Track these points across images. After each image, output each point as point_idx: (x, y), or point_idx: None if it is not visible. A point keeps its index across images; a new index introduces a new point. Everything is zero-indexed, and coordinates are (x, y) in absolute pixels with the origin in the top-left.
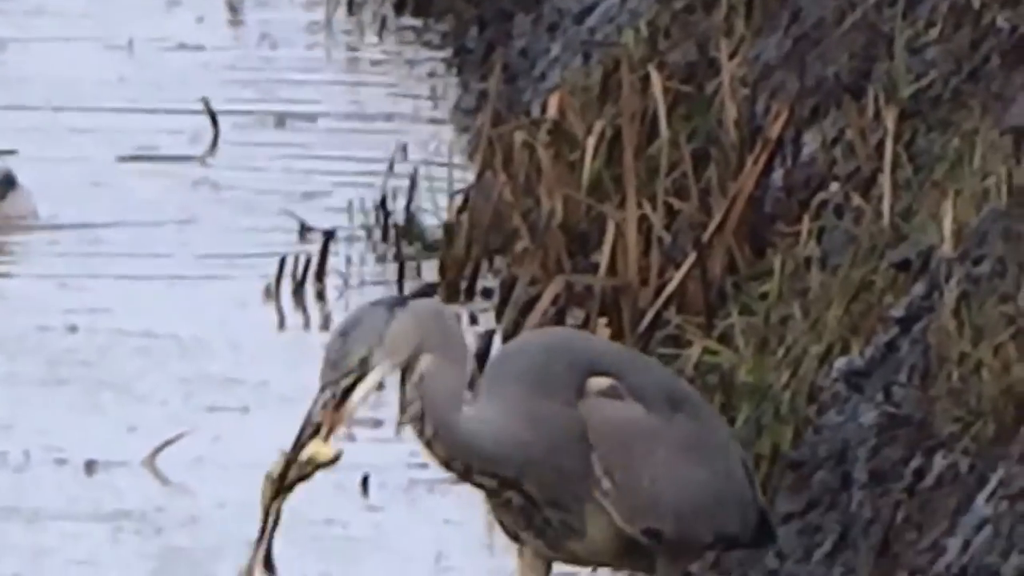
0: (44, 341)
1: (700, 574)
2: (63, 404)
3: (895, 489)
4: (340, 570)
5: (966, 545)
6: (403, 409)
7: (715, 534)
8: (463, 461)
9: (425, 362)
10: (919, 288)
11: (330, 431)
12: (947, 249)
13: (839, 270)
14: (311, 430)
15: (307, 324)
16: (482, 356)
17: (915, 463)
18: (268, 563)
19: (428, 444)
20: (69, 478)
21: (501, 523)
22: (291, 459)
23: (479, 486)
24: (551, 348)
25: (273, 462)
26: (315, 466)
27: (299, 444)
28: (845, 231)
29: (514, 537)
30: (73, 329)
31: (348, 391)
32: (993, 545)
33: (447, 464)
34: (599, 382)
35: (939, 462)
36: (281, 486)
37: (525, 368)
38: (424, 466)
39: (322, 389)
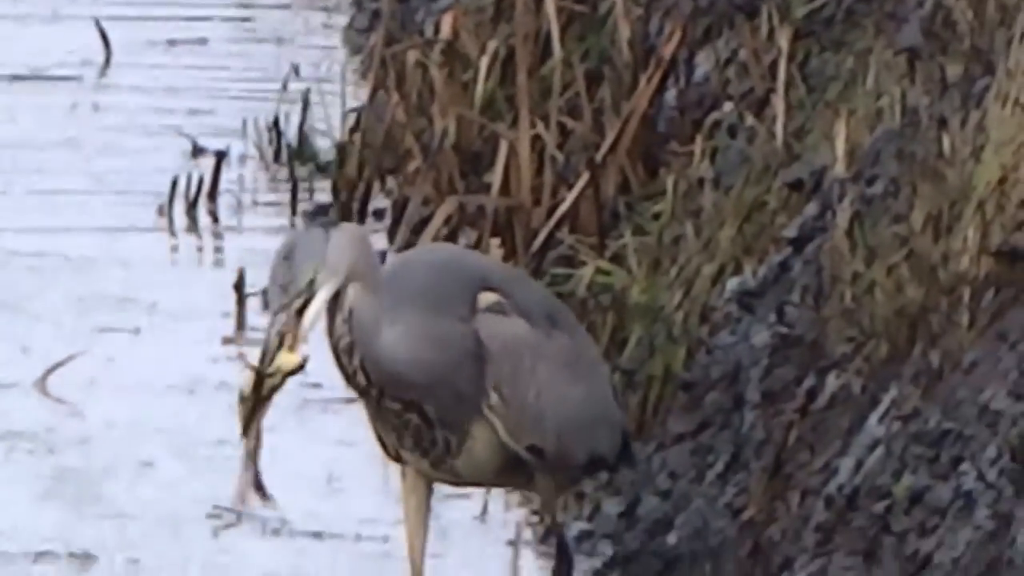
0: None
1: (592, 496)
2: None
3: (787, 410)
4: (232, 491)
5: (858, 465)
6: (333, 342)
7: (589, 454)
8: (381, 386)
9: (352, 294)
10: (812, 208)
11: (293, 342)
12: (840, 169)
13: (732, 190)
14: (275, 345)
15: (200, 245)
16: None
17: (807, 384)
18: (259, 486)
19: (353, 373)
20: None
21: (382, 443)
22: (262, 371)
23: (379, 414)
24: (443, 266)
25: (242, 382)
26: (284, 374)
27: (266, 358)
28: (738, 151)
29: (395, 457)
30: None
31: (300, 311)
32: (885, 465)
33: (365, 390)
34: (488, 297)
35: (831, 382)
36: (257, 399)
37: (420, 288)
38: (317, 386)
39: (275, 313)
